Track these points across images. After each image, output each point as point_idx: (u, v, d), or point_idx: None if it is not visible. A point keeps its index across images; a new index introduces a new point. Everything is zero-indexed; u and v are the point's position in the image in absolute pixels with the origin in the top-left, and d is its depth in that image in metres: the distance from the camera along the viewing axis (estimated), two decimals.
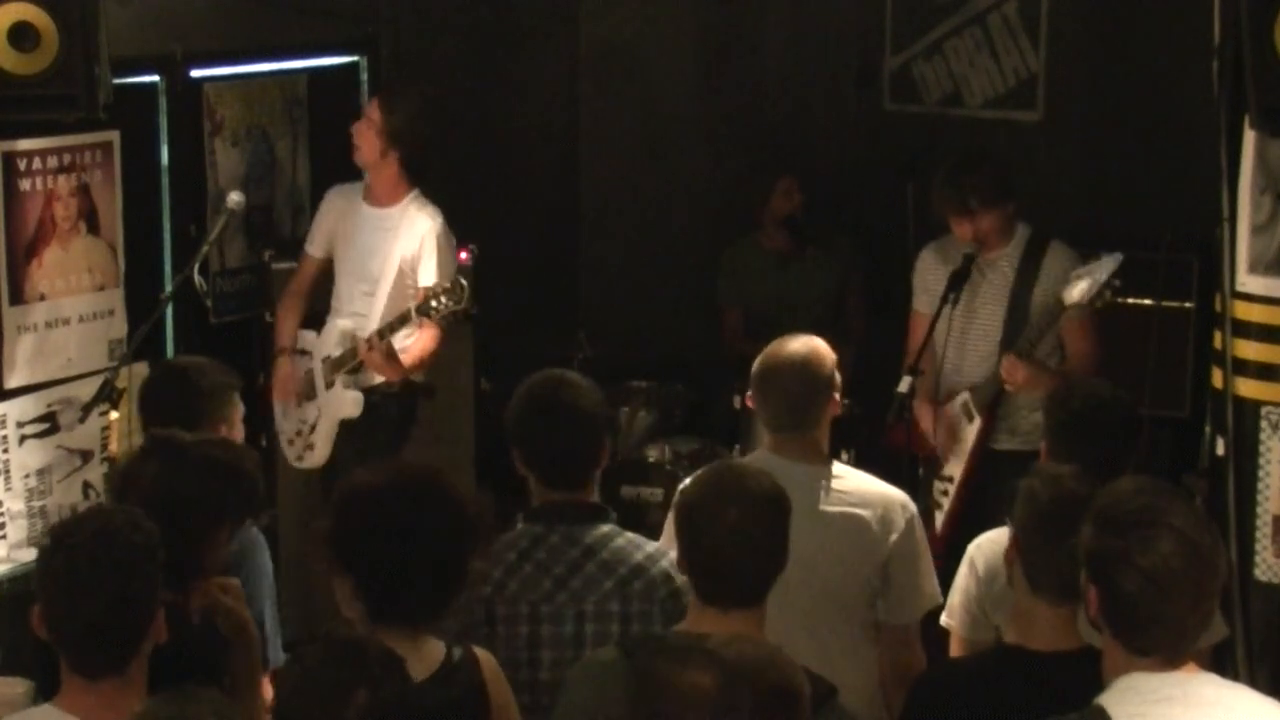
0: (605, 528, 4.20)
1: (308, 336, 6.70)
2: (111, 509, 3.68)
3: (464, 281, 6.14)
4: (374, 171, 6.63)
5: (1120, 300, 6.18)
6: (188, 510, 3.93)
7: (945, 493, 6.29)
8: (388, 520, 3.63)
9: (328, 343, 6.57)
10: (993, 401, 6.17)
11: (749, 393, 4.81)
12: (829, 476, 4.67)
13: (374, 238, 6.57)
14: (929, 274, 6.39)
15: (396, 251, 6.51)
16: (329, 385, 6.52)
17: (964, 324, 6.26)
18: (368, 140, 6.55)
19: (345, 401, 6.51)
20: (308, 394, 6.62)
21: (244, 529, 4.36)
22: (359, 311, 6.55)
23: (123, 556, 3.38)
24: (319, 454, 6.61)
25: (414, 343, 6.46)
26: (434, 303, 6.09)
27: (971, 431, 6.22)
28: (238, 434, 4.85)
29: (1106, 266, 5.85)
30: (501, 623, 4.10)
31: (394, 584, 3.61)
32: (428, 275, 6.41)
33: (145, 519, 3.53)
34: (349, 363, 6.43)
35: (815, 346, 4.77)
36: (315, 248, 6.77)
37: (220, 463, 4.05)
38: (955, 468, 6.26)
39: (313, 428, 6.62)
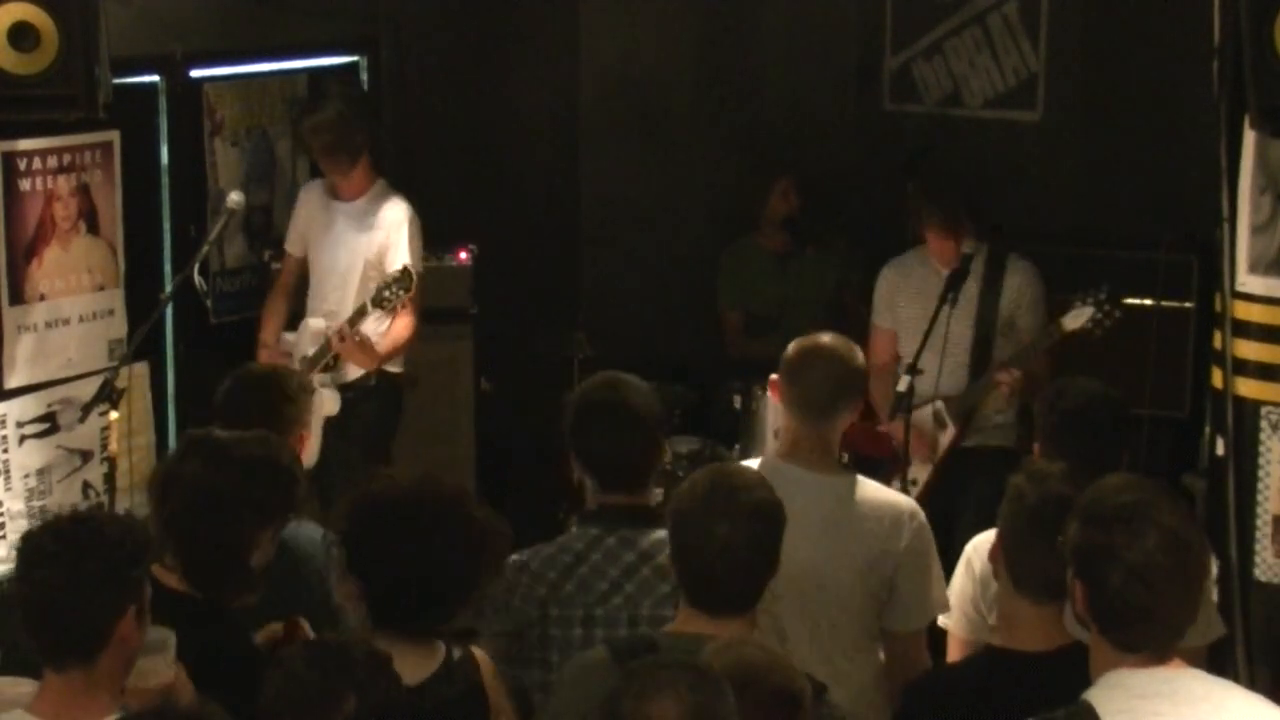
0: (661, 532, 4.12)
1: (287, 339, 6.73)
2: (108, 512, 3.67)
3: (412, 269, 6.33)
4: (345, 177, 6.69)
5: (1120, 300, 6.20)
6: (230, 509, 3.93)
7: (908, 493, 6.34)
8: (399, 531, 3.63)
9: (303, 343, 6.62)
10: (969, 412, 6.31)
11: (773, 380, 4.72)
12: (839, 484, 4.59)
13: (344, 231, 6.65)
14: (890, 291, 6.57)
15: (365, 242, 6.58)
16: None
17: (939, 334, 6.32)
18: (332, 171, 6.65)
19: (324, 400, 6.51)
20: None
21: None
22: (332, 306, 6.61)
23: (90, 540, 3.36)
24: (309, 454, 6.58)
25: (387, 331, 6.51)
26: (386, 293, 6.25)
27: (944, 439, 6.36)
28: (316, 439, 4.86)
29: (1098, 295, 5.98)
30: (555, 625, 4.09)
31: (397, 593, 3.61)
32: (397, 264, 6.48)
33: (138, 523, 3.52)
34: (324, 358, 6.45)
35: (849, 342, 4.74)
36: (294, 246, 6.85)
37: (260, 460, 4.02)
38: (921, 471, 6.32)
39: None
